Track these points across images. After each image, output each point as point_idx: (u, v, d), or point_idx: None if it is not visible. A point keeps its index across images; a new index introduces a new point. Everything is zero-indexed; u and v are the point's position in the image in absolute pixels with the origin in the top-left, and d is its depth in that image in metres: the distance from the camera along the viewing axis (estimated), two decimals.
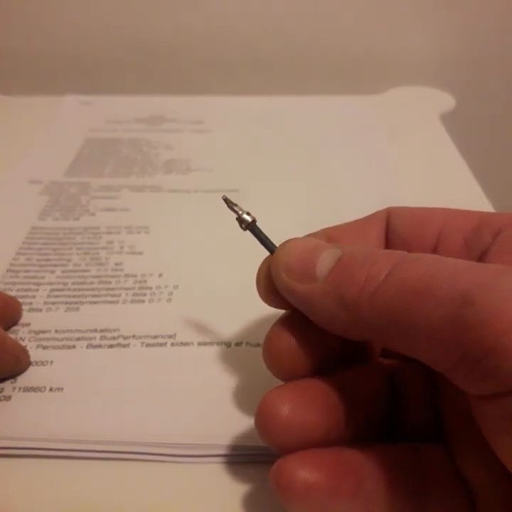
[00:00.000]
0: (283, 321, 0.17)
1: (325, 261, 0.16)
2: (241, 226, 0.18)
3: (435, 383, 0.18)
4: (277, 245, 0.17)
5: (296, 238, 0.17)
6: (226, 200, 0.18)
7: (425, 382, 0.18)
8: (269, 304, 0.18)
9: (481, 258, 0.17)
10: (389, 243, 0.19)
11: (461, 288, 0.13)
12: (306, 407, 0.16)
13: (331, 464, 0.15)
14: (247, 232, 0.18)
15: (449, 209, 0.19)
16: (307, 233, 0.19)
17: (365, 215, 0.20)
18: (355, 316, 0.15)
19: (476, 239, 0.17)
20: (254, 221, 0.18)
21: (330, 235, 0.19)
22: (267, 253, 0.18)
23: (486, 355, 0.12)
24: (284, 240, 0.17)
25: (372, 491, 0.15)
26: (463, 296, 0.13)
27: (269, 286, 0.17)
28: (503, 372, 0.12)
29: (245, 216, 0.18)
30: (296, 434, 0.16)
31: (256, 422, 0.16)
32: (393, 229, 0.19)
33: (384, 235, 0.19)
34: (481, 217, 0.18)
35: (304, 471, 0.15)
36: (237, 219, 0.18)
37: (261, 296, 0.18)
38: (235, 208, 0.18)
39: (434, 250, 0.18)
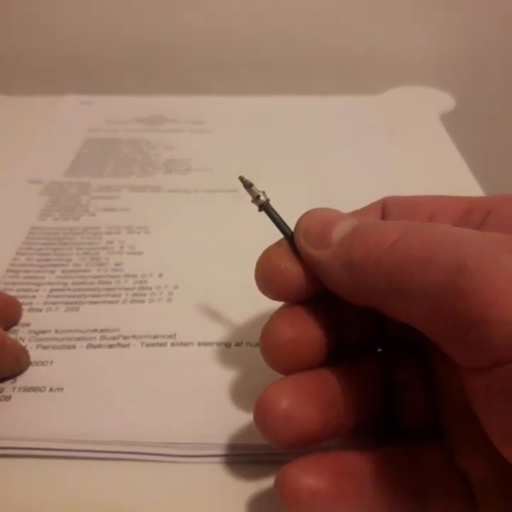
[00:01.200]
0: (280, 314, 0.17)
1: (341, 229, 0.16)
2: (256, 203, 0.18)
3: (433, 378, 0.18)
4: (290, 226, 0.18)
5: (318, 208, 0.18)
6: (242, 180, 0.18)
7: (423, 377, 0.18)
8: (267, 295, 0.18)
9: None
10: None
11: (460, 256, 0.13)
12: (305, 401, 0.16)
13: (333, 468, 0.15)
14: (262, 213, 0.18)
15: (439, 195, 0.19)
16: None
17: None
18: (360, 280, 0.15)
19: (466, 222, 0.18)
20: (267, 201, 0.18)
21: None
22: (268, 244, 0.18)
23: (474, 324, 0.12)
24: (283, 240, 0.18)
25: (373, 493, 0.15)
26: (459, 263, 0.13)
27: (268, 276, 0.17)
28: (490, 344, 0.12)
29: (261, 196, 0.18)
30: (296, 428, 0.16)
31: (255, 418, 0.16)
32: (388, 218, 0.19)
33: None
34: (471, 201, 0.18)
35: (307, 478, 0.15)
36: (252, 200, 0.18)
37: (259, 286, 0.18)
38: (250, 190, 0.18)
39: None
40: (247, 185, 0.18)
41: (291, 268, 0.17)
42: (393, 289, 0.14)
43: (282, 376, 0.17)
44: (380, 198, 0.20)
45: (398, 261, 0.14)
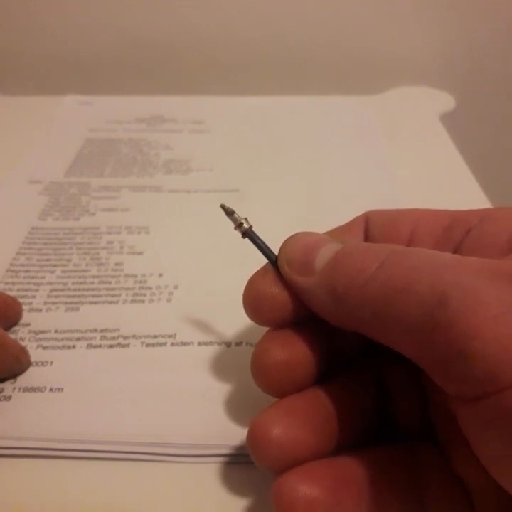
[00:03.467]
0: (270, 337, 0.17)
1: (324, 255, 0.16)
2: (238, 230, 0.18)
3: (424, 383, 0.18)
4: (274, 251, 0.18)
5: (301, 232, 0.18)
6: (224, 208, 0.18)
7: (415, 383, 0.18)
8: (257, 323, 0.18)
9: None
10: None
11: (439, 287, 0.13)
12: (297, 426, 0.16)
13: (330, 476, 0.15)
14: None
15: (420, 209, 0.19)
16: None
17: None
18: (344, 307, 0.15)
19: (446, 239, 0.18)
20: (250, 227, 0.18)
21: None
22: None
23: (456, 358, 0.12)
24: (283, 241, 0.18)
25: (371, 498, 0.15)
26: (438, 296, 0.13)
27: (256, 304, 0.17)
28: (472, 378, 0.12)
29: (243, 223, 0.18)
30: (289, 454, 0.16)
31: (248, 446, 0.16)
32: (370, 234, 0.19)
33: (363, 240, 0.19)
34: (452, 216, 0.18)
35: (305, 488, 0.15)
36: (235, 228, 0.18)
37: (248, 314, 0.18)
38: (232, 217, 0.18)
39: None
40: (229, 213, 0.18)
41: (278, 295, 0.17)
42: (377, 318, 0.14)
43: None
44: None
45: (380, 291, 0.14)
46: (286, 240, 0.18)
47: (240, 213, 0.18)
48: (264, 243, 0.18)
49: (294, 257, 0.17)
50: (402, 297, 0.13)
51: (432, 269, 0.13)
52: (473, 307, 0.12)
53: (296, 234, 0.18)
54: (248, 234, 0.18)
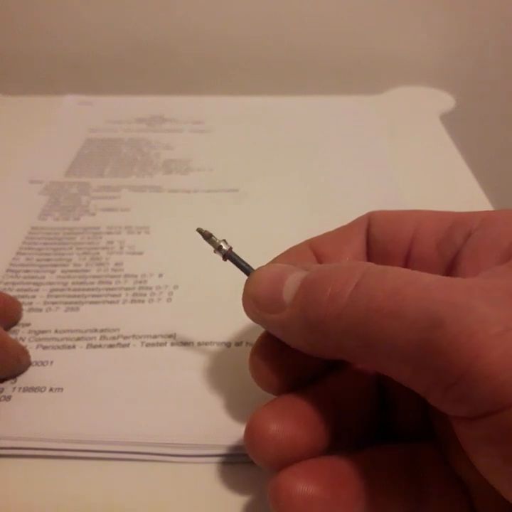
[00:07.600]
0: (265, 339, 0.17)
1: (290, 286, 0.16)
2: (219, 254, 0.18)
3: None
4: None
5: (262, 267, 0.17)
6: (201, 232, 0.18)
7: None
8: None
9: (453, 260, 0.17)
10: (369, 249, 0.19)
11: (430, 309, 0.12)
12: (293, 424, 0.16)
13: (328, 473, 0.15)
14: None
15: (423, 211, 0.19)
16: (305, 235, 0.19)
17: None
18: (324, 338, 0.15)
19: (448, 241, 0.17)
20: (230, 249, 0.18)
21: (314, 245, 0.19)
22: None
23: (459, 380, 0.12)
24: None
25: (369, 496, 0.15)
26: (432, 318, 0.12)
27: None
28: (476, 397, 0.12)
29: (222, 245, 0.18)
30: (286, 451, 0.16)
31: (245, 443, 0.16)
32: (372, 234, 0.19)
33: (365, 241, 0.19)
34: (454, 218, 0.18)
35: (302, 485, 0.15)
36: (215, 251, 0.18)
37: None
38: (210, 240, 0.18)
39: (408, 254, 0.18)
40: (207, 236, 0.18)
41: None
42: (361, 345, 0.14)
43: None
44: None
45: (361, 316, 0.13)
46: (249, 277, 0.17)
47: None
48: (245, 263, 0.18)
49: (260, 294, 0.16)
50: (389, 322, 0.13)
51: (418, 290, 0.13)
52: (472, 327, 0.12)
53: (257, 270, 0.17)
54: (229, 256, 0.18)
